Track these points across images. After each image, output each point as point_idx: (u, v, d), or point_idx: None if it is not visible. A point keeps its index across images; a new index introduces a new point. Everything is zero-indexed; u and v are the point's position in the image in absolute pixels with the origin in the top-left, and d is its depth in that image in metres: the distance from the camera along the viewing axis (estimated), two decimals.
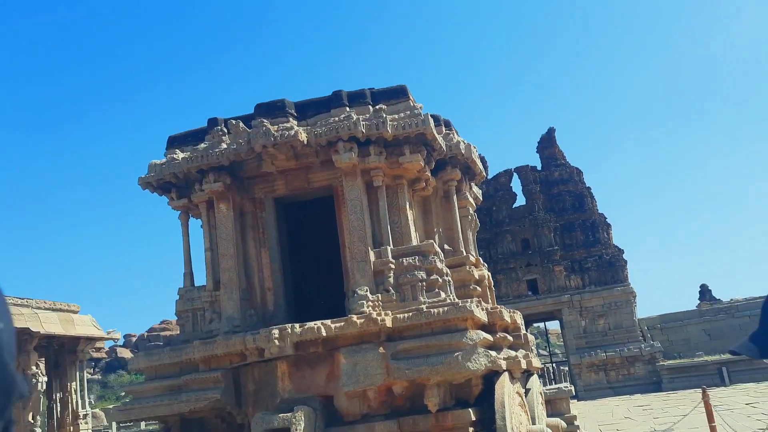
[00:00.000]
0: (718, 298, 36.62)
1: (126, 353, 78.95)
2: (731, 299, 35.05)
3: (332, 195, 8.48)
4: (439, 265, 7.80)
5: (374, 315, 7.17)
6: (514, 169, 34.74)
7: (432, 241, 8.13)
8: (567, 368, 34.58)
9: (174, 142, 8.84)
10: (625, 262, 31.83)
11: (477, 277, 8.64)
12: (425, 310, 7.21)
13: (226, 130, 8.31)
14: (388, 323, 7.17)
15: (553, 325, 48.56)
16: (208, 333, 8.10)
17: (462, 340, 7.00)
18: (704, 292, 37.08)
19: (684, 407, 22.19)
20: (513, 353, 7.62)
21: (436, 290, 7.70)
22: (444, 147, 8.55)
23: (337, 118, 7.90)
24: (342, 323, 7.27)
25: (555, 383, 29.84)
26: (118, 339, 41.35)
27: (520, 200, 34.40)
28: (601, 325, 31.29)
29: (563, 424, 9.73)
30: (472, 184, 9.89)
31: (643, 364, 30.08)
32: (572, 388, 14.76)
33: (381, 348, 7.17)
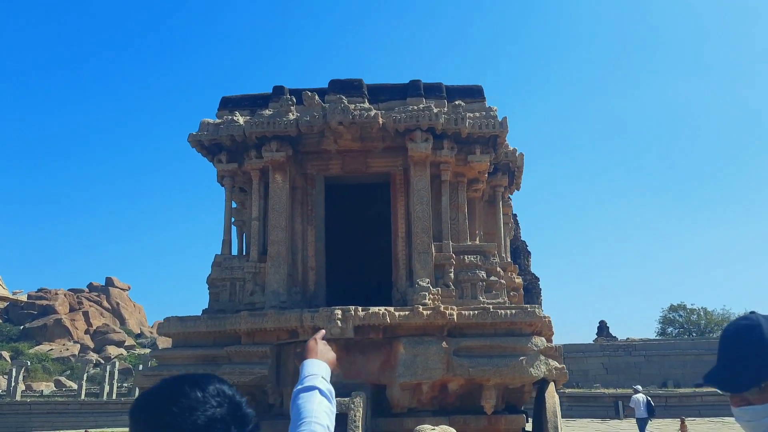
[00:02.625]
0: (614, 335, 38.60)
1: None
2: (627, 338, 37.06)
3: (388, 182, 8.36)
4: (498, 267, 7.85)
5: (442, 308, 7.11)
6: None
7: (494, 242, 8.17)
8: None
9: (228, 104, 8.45)
10: (540, 289, 33.01)
11: (516, 283, 8.76)
12: (491, 309, 7.22)
13: (294, 100, 8.03)
14: (455, 318, 7.13)
15: None
16: (250, 305, 7.76)
17: (527, 345, 7.06)
18: (602, 328, 38.96)
19: None
20: (559, 364, 7.76)
21: (494, 292, 7.74)
22: (503, 153, 8.63)
23: (415, 107, 7.81)
24: (407, 312, 7.16)
25: None
26: (22, 302, 38.37)
27: None
28: None
29: None
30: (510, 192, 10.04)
31: None
32: None
33: (444, 342, 7.10)
